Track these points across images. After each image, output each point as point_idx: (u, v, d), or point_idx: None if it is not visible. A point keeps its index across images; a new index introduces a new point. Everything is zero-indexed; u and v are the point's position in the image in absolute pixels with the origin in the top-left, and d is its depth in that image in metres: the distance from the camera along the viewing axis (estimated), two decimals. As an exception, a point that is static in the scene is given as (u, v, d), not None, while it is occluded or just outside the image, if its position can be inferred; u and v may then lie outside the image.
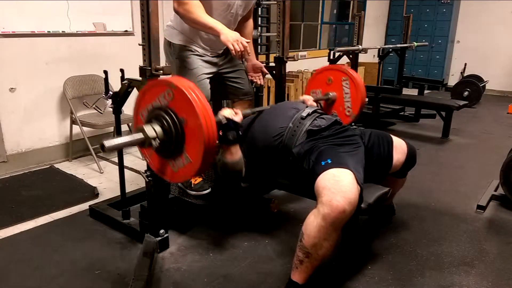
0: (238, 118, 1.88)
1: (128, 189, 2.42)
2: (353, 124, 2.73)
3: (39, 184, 2.87)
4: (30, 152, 3.23)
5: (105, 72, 2.13)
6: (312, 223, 1.56)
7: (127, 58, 2.83)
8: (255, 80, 2.56)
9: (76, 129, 3.32)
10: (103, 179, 3.02)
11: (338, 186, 1.56)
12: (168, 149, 1.61)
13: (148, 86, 1.68)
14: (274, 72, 2.75)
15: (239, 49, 1.96)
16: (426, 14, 7.47)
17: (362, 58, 4.40)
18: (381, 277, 1.88)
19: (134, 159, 3.43)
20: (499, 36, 7.09)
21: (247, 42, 2.02)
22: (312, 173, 1.70)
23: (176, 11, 2.05)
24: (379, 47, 5.09)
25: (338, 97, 2.73)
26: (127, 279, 1.81)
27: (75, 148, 3.44)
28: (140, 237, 2.04)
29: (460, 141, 4.24)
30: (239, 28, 2.35)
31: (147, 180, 1.90)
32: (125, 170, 2.33)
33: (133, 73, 1.94)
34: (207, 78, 2.26)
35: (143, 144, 1.57)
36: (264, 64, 2.62)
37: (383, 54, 5.06)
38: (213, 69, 2.32)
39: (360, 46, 3.90)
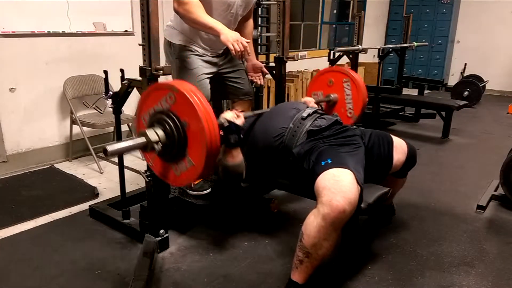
0: (240, 121, 1.89)
1: (128, 189, 2.42)
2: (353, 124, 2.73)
3: (39, 184, 2.87)
4: (30, 152, 3.23)
5: (105, 72, 2.13)
6: (312, 223, 1.56)
7: (127, 58, 2.83)
8: (255, 80, 2.56)
9: (76, 129, 3.32)
10: (103, 179, 3.02)
11: (338, 186, 1.56)
12: (171, 152, 1.61)
13: (150, 90, 1.68)
14: (274, 72, 2.75)
15: (239, 49, 1.97)
16: (426, 14, 7.47)
17: (362, 58, 4.40)
18: (381, 277, 1.88)
19: (134, 159, 3.43)
20: (499, 36, 7.09)
21: (247, 42, 2.02)
22: (312, 173, 1.70)
23: (176, 11, 2.06)
24: (379, 47, 5.09)
25: (339, 99, 2.73)
26: (127, 279, 1.81)
27: (75, 148, 3.44)
28: (140, 237, 2.04)
29: (460, 141, 4.24)
30: (239, 28, 2.35)
31: (147, 180, 1.90)
32: (125, 170, 2.32)
33: (133, 73, 1.94)
34: (207, 78, 2.26)
35: (146, 148, 1.58)
36: (264, 64, 2.62)
37: (383, 54, 5.06)
38: (213, 69, 2.32)
39: (360, 46, 3.90)
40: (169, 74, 1.89)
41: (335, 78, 2.75)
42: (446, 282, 1.86)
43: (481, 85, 6.17)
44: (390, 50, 5.15)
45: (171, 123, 1.57)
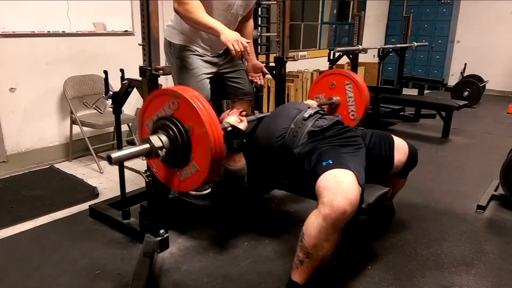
0: (243, 125, 1.89)
1: (128, 189, 2.42)
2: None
3: (39, 184, 2.87)
4: (30, 152, 3.23)
5: (105, 72, 2.13)
6: (313, 223, 1.56)
7: (127, 58, 2.84)
8: (255, 80, 2.55)
9: (76, 129, 3.32)
10: (103, 179, 3.02)
11: (340, 186, 1.55)
12: (175, 158, 1.61)
13: (152, 96, 1.68)
14: (274, 72, 2.75)
15: (239, 49, 1.96)
16: (426, 14, 7.47)
17: (362, 58, 4.40)
18: (381, 277, 1.88)
19: (134, 159, 3.42)
20: (499, 36, 7.09)
21: (247, 42, 2.02)
22: (313, 173, 1.70)
23: (176, 11, 2.05)
24: (379, 47, 5.09)
25: (342, 101, 2.74)
26: (127, 279, 1.81)
27: (75, 148, 3.44)
28: (140, 237, 2.04)
29: (460, 141, 4.24)
30: (240, 28, 2.35)
31: (147, 180, 1.90)
32: (125, 170, 2.33)
33: (133, 73, 1.94)
34: (207, 78, 2.26)
35: (150, 154, 1.58)
36: (264, 64, 2.62)
37: (383, 54, 5.06)
38: (213, 69, 2.32)
39: (360, 46, 3.90)
40: (169, 74, 1.88)
41: (336, 81, 2.75)
42: (446, 282, 1.86)
43: (481, 85, 6.17)
44: (390, 50, 5.15)
45: (174, 129, 1.58)
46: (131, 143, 3.70)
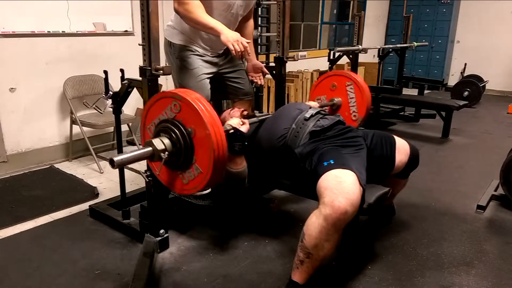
0: (244, 128, 1.89)
1: (128, 189, 2.42)
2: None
3: (39, 184, 2.87)
4: (30, 152, 3.23)
5: (105, 72, 2.13)
6: (314, 223, 1.55)
7: (127, 58, 2.84)
8: (255, 80, 2.55)
9: (76, 129, 3.32)
10: (103, 179, 3.02)
11: (341, 187, 1.55)
12: (178, 161, 1.62)
13: (153, 100, 1.68)
14: (274, 72, 2.75)
15: (239, 50, 1.96)
16: (426, 14, 7.47)
17: (362, 58, 4.40)
18: (381, 277, 1.88)
19: (134, 159, 3.42)
20: (499, 36, 7.10)
21: (248, 43, 2.02)
22: (314, 173, 1.70)
23: (176, 11, 2.05)
24: (379, 47, 5.09)
25: (343, 103, 2.74)
26: (127, 279, 1.81)
27: (75, 148, 3.44)
28: (140, 237, 2.04)
29: (460, 141, 4.24)
30: (240, 28, 2.35)
31: (147, 180, 1.90)
32: (125, 170, 2.33)
33: (133, 73, 1.94)
34: (207, 78, 2.26)
35: (152, 157, 1.58)
36: (264, 64, 2.62)
37: (383, 54, 5.06)
38: (213, 69, 2.32)
39: (360, 46, 3.90)
40: (169, 74, 1.88)
41: (337, 82, 2.76)
42: (446, 282, 1.86)
43: (481, 85, 6.17)
44: (390, 50, 5.15)
45: (177, 131, 1.58)
46: (131, 143, 3.71)
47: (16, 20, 2.96)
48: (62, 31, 3.24)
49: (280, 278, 1.83)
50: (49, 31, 3.17)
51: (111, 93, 2.08)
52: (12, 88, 3.05)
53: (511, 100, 6.39)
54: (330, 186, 1.57)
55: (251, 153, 1.98)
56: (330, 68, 3.83)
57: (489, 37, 7.21)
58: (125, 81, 1.98)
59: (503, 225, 2.43)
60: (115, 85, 2.13)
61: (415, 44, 4.98)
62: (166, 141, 1.59)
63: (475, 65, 7.31)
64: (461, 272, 1.93)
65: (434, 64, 7.60)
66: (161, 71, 1.79)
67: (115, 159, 1.45)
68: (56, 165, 3.27)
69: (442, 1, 7.28)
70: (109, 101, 2.10)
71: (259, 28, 3.49)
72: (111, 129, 3.63)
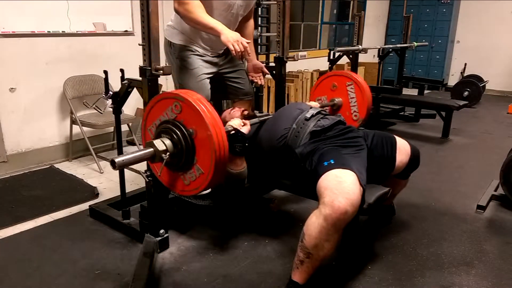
0: (245, 129, 1.89)
1: (128, 189, 2.42)
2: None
3: (39, 184, 2.87)
4: (30, 152, 3.23)
5: (105, 72, 2.13)
6: (314, 223, 1.55)
7: (127, 58, 2.83)
8: (255, 80, 2.55)
9: (76, 129, 3.32)
10: (103, 179, 3.02)
11: (341, 187, 1.55)
12: (179, 162, 1.62)
13: (154, 101, 1.68)
14: (274, 72, 2.75)
15: (239, 50, 1.96)
16: (426, 14, 7.47)
17: (362, 58, 4.40)
18: (381, 277, 1.88)
19: (134, 159, 3.42)
20: (499, 36, 7.10)
21: (248, 43, 2.02)
22: (314, 173, 1.70)
23: (176, 11, 2.06)
24: (379, 47, 5.09)
25: (344, 103, 2.74)
26: (127, 279, 1.81)
27: (75, 148, 3.44)
28: (140, 237, 2.04)
29: (460, 141, 4.24)
30: (240, 28, 2.35)
31: (147, 180, 1.90)
32: (125, 170, 2.32)
33: (133, 73, 1.94)
34: (207, 78, 2.26)
35: (154, 158, 1.58)
36: (264, 64, 2.62)
37: (383, 54, 5.06)
38: (214, 69, 2.32)
39: (360, 46, 3.90)
40: (169, 74, 1.88)
41: (338, 82, 2.76)
42: (446, 282, 1.86)
43: (481, 85, 6.17)
44: (390, 50, 5.15)
45: (178, 132, 1.58)
46: (131, 143, 3.71)
47: (16, 20, 2.96)
48: (62, 31, 3.24)
49: (280, 278, 1.83)
50: (49, 31, 3.17)
51: (111, 93, 2.08)
52: (12, 88, 3.05)
53: (511, 100, 6.39)
54: (330, 186, 1.57)
55: (251, 153, 1.98)
56: (330, 68, 3.83)
57: (489, 37, 7.21)
58: (125, 81, 1.98)
59: (503, 225, 2.43)
60: (115, 85, 2.13)
61: (415, 44, 4.98)
62: (167, 142, 1.59)
63: (475, 65, 7.31)
64: (461, 272, 1.93)
65: (434, 64, 7.60)
66: (161, 71, 1.79)
67: (116, 160, 1.45)
68: (56, 165, 3.27)
69: (442, 1, 7.28)
70: (109, 101, 2.10)
71: (259, 28, 3.49)
72: (111, 129, 3.63)
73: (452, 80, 7.56)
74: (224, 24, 2.04)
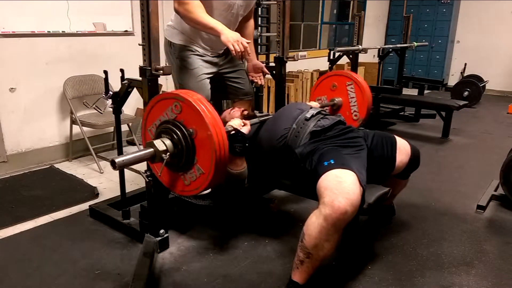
0: (246, 129, 1.89)
1: (128, 189, 2.42)
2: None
3: (39, 184, 2.87)
4: (30, 152, 3.23)
5: (105, 72, 2.13)
6: (314, 223, 1.55)
7: (127, 58, 2.83)
8: (255, 80, 2.55)
9: (76, 129, 3.32)
10: (103, 179, 3.02)
11: (341, 187, 1.55)
12: (179, 162, 1.62)
13: (154, 101, 1.68)
14: (274, 72, 2.75)
15: (239, 50, 1.96)
16: (426, 14, 7.47)
17: (362, 58, 4.40)
18: (381, 277, 1.88)
19: (134, 159, 3.42)
20: (499, 36, 7.10)
21: (248, 43, 2.02)
22: (314, 173, 1.70)
23: (176, 11, 2.05)
24: (379, 47, 5.09)
25: (344, 102, 2.74)
26: (127, 279, 1.81)
27: (75, 148, 3.44)
28: (140, 237, 2.04)
29: (460, 141, 4.24)
30: (240, 28, 2.35)
31: (147, 180, 1.90)
32: (125, 170, 2.32)
33: (133, 73, 1.94)
34: (208, 78, 2.26)
35: (154, 158, 1.58)
36: (264, 64, 2.62)
37: (383, 54, 5.06)
38: (214, 69, 2.32)
39: (360, 46, 3.90)
40: (169, 74, 1.88)
41: (338, 82, 2.75)
42: (446, 282, 1.86)
43: (481, 85, 6.17)
44: (390, 50, 5.15)
45: (178, 132, 1.58)
46: (131, 143, 3.71)
47: (16, 20, 2.96)
48: (62, 31, 3.24)
49: (280, 278, 1.83)
50: (49, 31, 3.17)
51: (111, 93, 2.08)
52: (12, 88, 3.05)
53: (511, 100, 6.39)
54: (330, 186, 1.57)
55: (251, 153, 1.98)
56: (330, 68, 3.83)
57: (489, 37, 7.21)
58: (125, 81, 1.98)
59: (503, 225, 2.43)
60: (115, 85, 2.13)
61: (415, 44, 4.98)
62: (168, 142, 1.59)
63: (475, 65, 7.31)
64: (461, 272, 1.93)
65: (434, 64, 7.60)
66: (161, 71, 1.79)
67: (116, 160, 1.45)
68: (56, 165, 3.27)
69: (442, 1, 7.28)
70: (109, 101, 2.10)
71: (259, 28, 3.49)
72: (111, 129, 3.63)
73: (452, 80, 7.56)
74: (224, 24, 2.04)
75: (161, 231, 2.03)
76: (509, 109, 5.76)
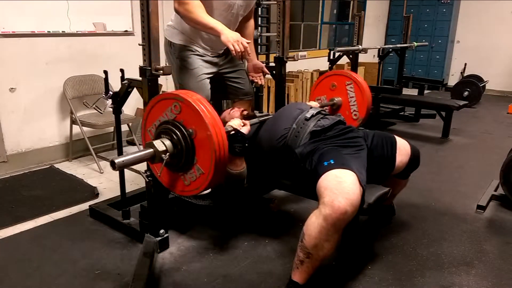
0: (245, 129, 1.89)
1: (128, 189, 2.42)
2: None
3: (39, 184, 2.87)
4: (30, 152, 3.23)
5: (105, 72, 2.13)
6: (314, 223, 1.55)
7: (127, 58, 2.83)
8: (255, 80, 2.55)
9: (76, 129, 3.32)
10: (103, 179, 3.02)
11: (341, 187, 1.55)
12: (179, 162, 1.62)
13: (154, 102, 1.68)
14: (274, 72, 2.75)
15: (239, 50, 1.96)
16: (426, 14, 7.47)
17: (362, 58, 4.40)
18: (381, 277, 1.88)
19: (134, 159, 3.42)
20: (499, 36, 7.10)
21: (248, 43, 2.02)
22: (314, 173, 1.70)
23: (176, 11, 2.06)
24: (379, 47, 5.09)
25: (343, 102, 2.74)
26: (127, 279, 1.81)
27: (75, 148, 3.44)
28: (140, 237, 2.04)
29: (460, 141, 4.24)
30: (240, 28, 2.35)
31: (147, 180, 1.90)
32: (125, 170, 2.32)
33: (133, 73, 1.94)
34: (208, 78, 2.26)
35: (154, 159, 1.58)
36: (264, 64, 2.62)
37: (383, 54, 5.06)
38: (214, 69, 2.32)
39: (360, 46, 3.90)
40: (169, 74, 1.88)
41: (337, 82, 2.75)
42: (446, 282, 1.86)
43: (481, 85, 6.17)
44: (390, 50, 5.15)
45: (177, 133, 1.58)
46: (131, 143, 3.71)
47: (16, 20, 2.96)
48: (62, 31, 3.24)
49: (280, 278, 1.83)
50: (49, 31, 3.17)
51: (111, 93, 2.08)
52: (12, 88, 3.05)
53: (511, 100, 6.39)
54: (330, 186, 1.57)
55: (251, 154, 1.98)
56: (330, 68, 3.83)
57: (489, 37, 7.21)
58: (125, 81, 1.98)
59: (503, 225, 2.43)
60: (115, 85, 2.13)
61: (415, 44, 4.98)
62: (167, 142, 1.59)
63: (475, 65, 7.31)
64: (461, 272, 1.93)
65: (434, 64, 7.60)
66: (161, 71, 1.79)
67: (116, 161, 1.45)
68: (56, 165, 3.27)
69: (442, 1, 7.28)
70: (109, 101, 2.10)
71: (259, 28, 3.50)
72: (111, 129, 3.63)
73: (452, 80, 7.56)
74: (224, 24, 2.04)
75: (161, 231, 2.03)
76: (509, 109, 5.76)
